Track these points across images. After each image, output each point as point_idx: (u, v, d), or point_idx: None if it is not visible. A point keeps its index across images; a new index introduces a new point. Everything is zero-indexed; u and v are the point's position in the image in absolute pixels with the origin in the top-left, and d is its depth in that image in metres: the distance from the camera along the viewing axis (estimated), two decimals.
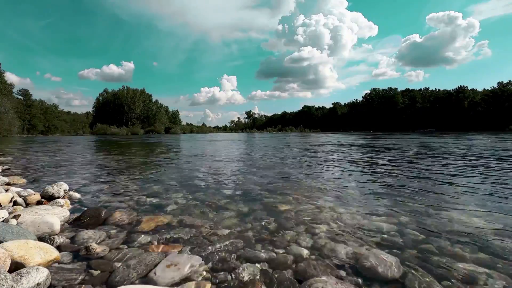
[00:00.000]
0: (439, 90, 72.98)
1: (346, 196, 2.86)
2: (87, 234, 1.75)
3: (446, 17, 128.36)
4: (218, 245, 1.64)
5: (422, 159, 6.26)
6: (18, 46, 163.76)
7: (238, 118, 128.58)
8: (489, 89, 62.14)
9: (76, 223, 2.01)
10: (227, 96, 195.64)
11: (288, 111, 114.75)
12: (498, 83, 60.71)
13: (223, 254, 1.54)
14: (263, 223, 2.05)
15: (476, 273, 1.33)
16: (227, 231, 1.88)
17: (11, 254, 1.27)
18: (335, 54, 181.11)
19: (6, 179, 3.40)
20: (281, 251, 1.58)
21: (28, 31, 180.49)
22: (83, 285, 1.22)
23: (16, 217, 1.84)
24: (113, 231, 1.87)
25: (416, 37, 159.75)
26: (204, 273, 1.34)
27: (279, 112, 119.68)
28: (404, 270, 1.35)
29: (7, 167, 5.06)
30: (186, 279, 1.28)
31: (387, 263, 1.39)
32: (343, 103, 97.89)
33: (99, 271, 1.34)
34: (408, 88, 79.94)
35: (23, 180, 3.68)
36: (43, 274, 1.17)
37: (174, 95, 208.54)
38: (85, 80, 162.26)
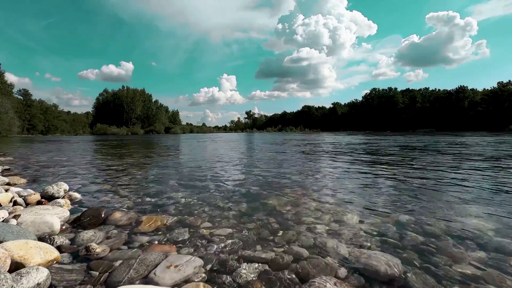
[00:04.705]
0: (439, 90, 72.94)
1: (346, 196, 2.86)
2: (87, 234, 1.75)
3: (446, 17, 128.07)
4: (218, 246, 1.64)
5: (422, 159, 6.25)
6: (18, 46, 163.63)
7: (238, 118, 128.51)
8: (489, 89, 62.13)
9: (76, 223, 2.01)
10: (226, 96, 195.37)
11: (288, 111, 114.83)
12: (498, 83, 60.67)
13: (223, 254, 1.54)
14: (263, 223, 2.05)
15: (476, 273, 1.33)
16: (227, 231, 1.88)
17: (11, 254, 1.27)
18: (334, 53, 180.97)
19: (6, 179, 3.40)
20: (281, 251, 1.58)
21: (28, 31, 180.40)
22: (83, 285, 1.22)
23: (16, 217, 1.84)
24: (113, 232, 1.87)
25: (416, 37, 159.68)
26: (204, 273, 1.34)
27: (279, 112, 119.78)
28: (404, 270, 1.35)
29: (7, 167, 5.06)
30: (186, 280, 1.28)
31: (387, 263, 1.39)
32: (343, 103, 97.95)
33: (99, 272, 1.34)
34: (408, 88, 79.98)
35: (23, 180, 3.68)
36: (43, 274, 1.17)
37: (174, 95, 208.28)
38: (85, 80, 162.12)
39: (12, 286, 1.07)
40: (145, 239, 1.75)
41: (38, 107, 61.91)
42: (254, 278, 1.30)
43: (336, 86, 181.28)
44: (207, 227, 1.95)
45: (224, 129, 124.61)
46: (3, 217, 1.88)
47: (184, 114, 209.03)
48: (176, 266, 1.35)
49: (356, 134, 34.53)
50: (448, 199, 2.69)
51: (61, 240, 1.67)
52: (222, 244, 1.66)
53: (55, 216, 1.92)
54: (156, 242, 1.70)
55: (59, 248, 1.57)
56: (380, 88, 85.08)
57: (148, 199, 2.76)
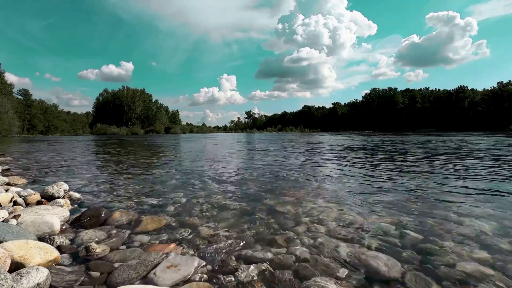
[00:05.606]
0: (439, 90, 72.95)
1: (346, 196, 2.86)
2: (87, 235, 1.75)
3: (446, 17, 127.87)
4: (218, 246, 1.64)
5: (421, 159, 6.26)
6: (18, 46, 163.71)
7: (238, 118, 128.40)
8: (489, 89, 62.11)
9: (76, 223, 2.01)
10: (226, 96, 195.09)
11: (288, 111, 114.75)
12: (498, 83, 60.65)
13: (223, 254, 1.54)
14: (263, 223, 2.04)
15: (476, 273, 1.33)
16: (227, 231, 1.88)
17: (11, 254, 1.27)
18: (334, 53, 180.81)
19: (6, 179, 3.40)
20: (281, 251, 1.58)
21: (28, 31, 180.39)
22: (83, 286, 1.22)
23: (16, 217, 1.84)
24: (113, 232, 1.87)
25: (416, 37, 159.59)
26: (204, 274, 1.34)
27: (279, 112, 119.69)
28: (404, 270, 1.35)
29: (7, 167, 5.06)
30: (187, 280, 1.28)
31: (387, 263, 1.39)
32: (343, 103, 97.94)
33: (99, 272, 1.34)
34: (408, 88, 79.98)
35: (23, 180, 3.68)
36: (43, 274, 1.17)
37: (174, 95, 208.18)
38: (85, 80, 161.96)
39: (12, 286, 1.06)
40: (145, 239, 1.75)
41: (38, 107, 61.94)
42: (254, 278, 1.30)
43: (336, 86, 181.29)
44: (207, 227, 1.95)
45: (224, 129, 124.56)
46: (3, 217, 1.88)
47: (184, 114, 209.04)
48: (176, 266, 1.35)
49: (356, 134, 34.54)
50: (448, 199, 2.69)
51: (61, 240, 1.67)
52: (222, 244, 1.66)
53: (55, 216, 1.92)
54: (156, 242, 1.70)
55: (59, 248, 1.57)
56: (380, 88, 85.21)
57: (148, 199, 2.76)
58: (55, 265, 1.39)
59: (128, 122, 79.97)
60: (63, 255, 1.49)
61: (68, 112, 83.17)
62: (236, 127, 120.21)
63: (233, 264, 1.43)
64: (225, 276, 1.32)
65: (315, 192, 3.03)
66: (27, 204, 2.43)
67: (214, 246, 1.63)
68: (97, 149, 11.84)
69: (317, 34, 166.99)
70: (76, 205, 2.53)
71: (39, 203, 2.46)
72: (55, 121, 65.85)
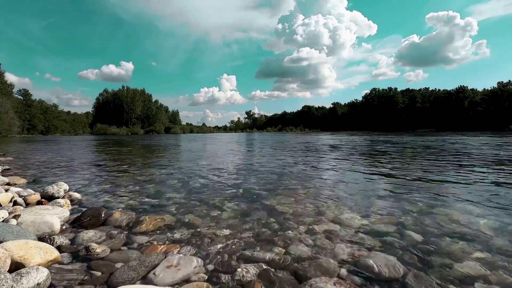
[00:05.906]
0: (439, 90, 72.96)
1: (346, 196, 2.86)
2: (87, 235, 1.75)
3: (446, 17, 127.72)
4: (218, 246, 1.64)
5: (422, 159, 6.26)
6: (18, 46, 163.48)
7: (238, 118, 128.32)
8: (489, 89, 62.11)
9: (76, 223, 2.01)
10: (226, 96, 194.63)
11: (288, 111, 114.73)
12: (498, 83, 60.64)
13: (223, 254, 1.54)
14: (263, 223, 2.05)
15: (476, 273, 1.33)
16: (227, 231, 1.88)
17: (11, 254, 1.27)
18: (334, 53, 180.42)
19: (6, 179, 3.40)
20: (281, 251, 1.58)
21: (28, 31, 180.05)
22: (83, 286, 1.22)
23: (16, 217, 1.84)
24: (113, 232, 1.87)
25: (416, 37, 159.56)
26: (204, 273, 1.34)
27: (279, 112, 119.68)
28: (404, 270, 1.35)
29: (7, 167, 5.06)
30: (186, 279, 1.28)
31: (387, 263, 1.39)
32: (343, 103, 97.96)
33: (99, 272, 1.34)
34: (408, 88, 79.99)
35: (23, 180, 3.68)
36: (43, 274, 1.17)
37: (174, 95, 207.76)
38: (85, 80, 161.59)
39: (12, 286, 1.07)
40: (145, 239, 1.75)
41: (38, 107, 61.96)
42: (254, 278, 1.30)
43: (336, 86, 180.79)
44: (207, 227, 1.95)
45: (224, 129, 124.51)
46: (3, 217, 1.88)
47: (184, 114, 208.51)
48: (176, 266, 1.35)
49: (355, 134, 34.56)
50: (449, 198, 2.69)
51: (61, 240, 1.67)
52: (222, 244, 1.66)
53: (55, 216, 1.92)
54: (156, 242, 1.70)
55: (59, 248, 1.57)
56: (380, 88, 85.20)
57: (148, 199, 2.76)
58: (55, 265, 1.39)
59: (128, 122, 79.97)
60: (63, 255, 1.49)
61: (68, 112, 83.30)
62: (236, 127, 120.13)
63: (233, 264, 1.43)
64: (224, 276, 1.32)
65: (315, 192, 3.03)
66: (27, 204, 2.43)
67: (213, 246, 1.63)
68: (97, 149, 11.84)
69: (317, 34, 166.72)
70: (76, 205, 2.53)
71: (39, 203, 2.46)
72: (55, 121, 65.87)
